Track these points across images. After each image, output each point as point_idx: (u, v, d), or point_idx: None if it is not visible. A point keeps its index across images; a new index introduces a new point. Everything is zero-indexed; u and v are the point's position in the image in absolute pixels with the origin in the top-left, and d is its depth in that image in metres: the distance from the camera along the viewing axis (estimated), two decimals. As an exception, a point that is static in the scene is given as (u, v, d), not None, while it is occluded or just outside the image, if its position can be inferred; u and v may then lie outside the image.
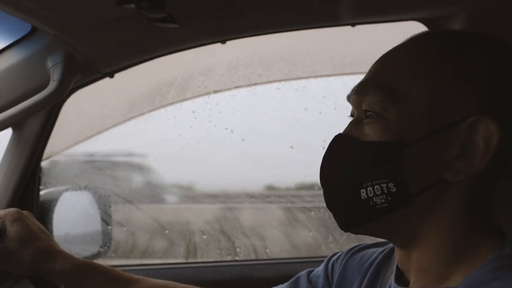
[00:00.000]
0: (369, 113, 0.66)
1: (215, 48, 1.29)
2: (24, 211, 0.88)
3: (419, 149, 0.63)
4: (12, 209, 0.85)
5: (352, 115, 0.72)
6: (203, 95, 1.53)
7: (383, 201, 0.64)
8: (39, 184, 1.39)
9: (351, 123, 0.70)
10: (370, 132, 0.66)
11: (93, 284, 0.87)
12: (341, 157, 0.69)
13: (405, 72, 0.66)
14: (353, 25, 1.23)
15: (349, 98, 0.71)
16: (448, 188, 0.64)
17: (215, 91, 1.53)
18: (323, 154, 0.71)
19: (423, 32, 0.72)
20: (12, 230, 0.82)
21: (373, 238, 0.76)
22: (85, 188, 1.64)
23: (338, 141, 0.70)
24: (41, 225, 0.88)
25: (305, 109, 1.64)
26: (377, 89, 0.66)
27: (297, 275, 0.93)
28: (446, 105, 0.64)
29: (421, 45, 0.69)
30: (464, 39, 0.69)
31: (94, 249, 1.54)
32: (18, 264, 0.84)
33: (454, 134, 0.63)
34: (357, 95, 0.69)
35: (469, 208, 0.65)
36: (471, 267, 0.62)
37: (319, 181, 0.71)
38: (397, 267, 0.73)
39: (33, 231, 0.84)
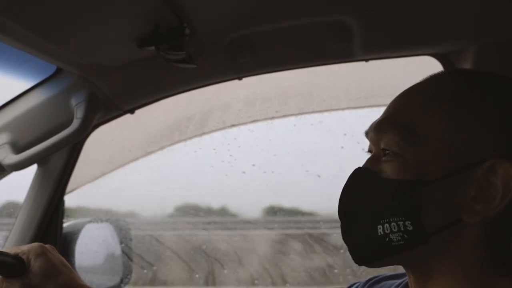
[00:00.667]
0: (387, 151, 0.67)
1: (233, 84, 1.32)
2: (47, 245, 0.89)
3: (436, 189, 0.64)
4: (36, 244, 0.87)
5: (370, 151, 0.73)
6: (220, 129, 1.56)
7: (399, 238, 0.64)
8: (62, 217, 1.42)
9: (369, 159, 0.71)
10: (388, 170, 0.66)
11: None
12: (359, 191, 0.69)
13: (422, 113, 0.67)
14: (366, 60, 1.25)
15: (367, 134, 0.72)
16: (465, 229, 0.65)
17: (233, 125, 1.56)
18: (343, 186, 0.72)
19: (439, 73, 0.73)
20: (35, 265, 0.84)
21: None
22: (107, 220, 1.67)
23: (358, 174, 0.71)
24: (63, 259, 0.90)
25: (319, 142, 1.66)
26: (395, 128, 0.67)
27: None
28: (463, 147, 0.64)
29: (438, 86, 0.70)
30: (480, 80, 0.70)
31: (116, 279, 1.55)
32: None
33: (471, 176, 0.64)
34: (375, 132, 0.70)
35: (486, 249, 0.65)
36: None
37: (337, 212, 0.71)
38: None
39: (56, 266, 0.86)
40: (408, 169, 0.65)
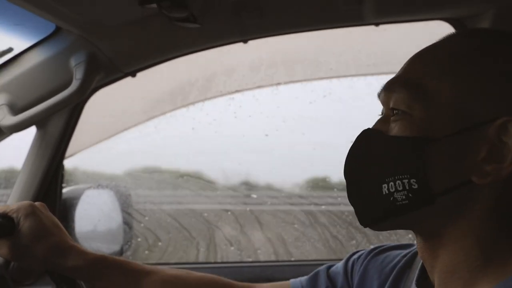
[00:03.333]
0: (396, 111, 0.66)
1: (237, 48, 1.28)
2: (38, 203, 0.87)
3: (444, 147, 0.62)
4: (26, 203, 0.85)
5: (382, 114, 0.71)
6: (224, 95, 1.53)
7: (404, 197, 0.63)
8: (61, 182, 1.41)
9: (379, 120, 0.70)
10: (395, 128, 0.65)
11: (108, 278, 0.87)
12: (365, 151, 0.68)
13: (434, 71, 0.65)
14: (376, 24, 1.21)
15: (379, 95, 0.71)
16: (475, 190, 0.62)
17: (237, 91, 1.52)
18: (350, 147, 0.70)
19: (453, 33, 0.71)
20: (25, 225, 0.82)
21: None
22: (107, 186, 1.65)
23: (364, 135, 0.69)
24: (54, 218, 0.88)
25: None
26: (404, 86, 0.65)
27: (316, 270, 0.92)
28: (475, 105, 0.62)
29: (452, 45, 0.68)
30: (495, 38, 0.68)
31: (116, 247, 1.55)
32: (32, 260, 0.83)
33: (482, 135, 0.62)
34: (385, 92, 0.69)
35: (497, 213, 0.63)
36: (500, 275, 0.60)
37: (343, 173, 0.70)
38: (420, 272, 0.71)
39: (46, 226, 0.84)
40: (415, 126, 0.64)
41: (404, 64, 0.70)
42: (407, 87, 0.65)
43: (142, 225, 1.87)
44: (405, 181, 0.63)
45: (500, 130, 0.61)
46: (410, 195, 0.62)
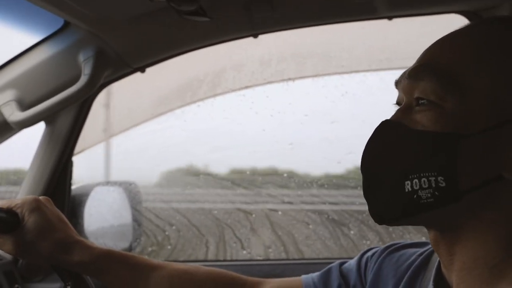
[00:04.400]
0: (422, 101, 0.62)
1: (247, 43, 1.26)
2: (42, 197, 0.85)
3: (477, 143, 0.59)
4: (31, 197, 0.83)
5: (398, 103, 0.67)
6: (234, 90, 1.51)
7: (429, 195, 0.59)
8: (70, 178, 1.40)
9: (399, 110, 0.65)
10: (423, 120, 0.61)
11: (114, 273, 0.85)
12: (387, 144, 0.64)
13: (468, 60, 0.61)
14: (389, 18, 1.18)
15: (397, 83, 0.67)
16: (504, 186, 0.59)
17: (247, 87, 1.51)
18: (368, 139, 0.66)
19: (489, 18, 0.67)
20: (30, 220, 0.81)
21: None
22: (116, 183, 1.64)
23: (385, 127, 0.65)
24: (60, 213, 0.86)
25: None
26: (434, 75, 0.61)
27: (328, 266, 0.89)
28: (509, 99, 0.59)
29: (488, 32, 0.63)
30: None
31: (125, 244, 1.54)
32: (37, 255, 0.82)
33: None
34: (409, 80, 0.64)
35: None
36: None
37: (360, 167, 0.66)
38: (436, 272, 0.69)
39: (51, 221, 0.82)
40: (446, 120, 0.60)
41: (429, 49, 0.65)
42: (438, 76, 0.61)
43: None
44: (432, 178, 0.59)
45: None
46: (436, 193, 0.59)
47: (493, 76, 0.60)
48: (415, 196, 0.60)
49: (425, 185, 0.59)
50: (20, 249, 0.82)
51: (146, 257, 0.92)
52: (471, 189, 0.59)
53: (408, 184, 0.60)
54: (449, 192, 0.59)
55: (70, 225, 0.86)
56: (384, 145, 0.65)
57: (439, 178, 0.59)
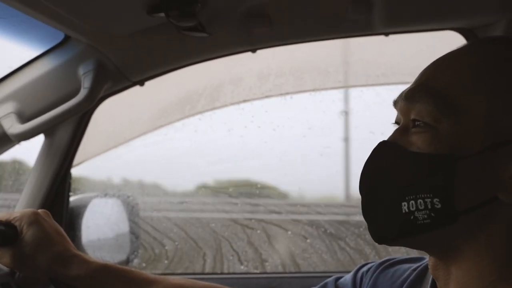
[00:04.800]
0: (418, 122, 0.62)
1: (245, 58, 1.27)
2: (41, 210, 0.86)
3: (472, 165, 0.59)
4: (29, 210, 0.84)
5: (397, 123, 0.68)
6: (232, 104, 1.52)
7: (425, 217, 0.59)
8: (69, 190, 1.40)
9: (396, 130, 0.66)
10: (418, 142, 0.62)
11: (111, 287, 0.85)
12: (384, 165, 0.65)
13: (464, 81, 0.61)
14: (386, 34, 1.19)
15: (395, 104, 0.67)
16: (499, 208, 0.60)
17: (245, 101, 1.52)
18: (365, 160, 0.67)
19: (485, 38, 0.68)
20: (28, 233, 0.81)
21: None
22: (114, 195, 1.65)
23: (382, 148, 0.65)
24: (58, 227, 0.87)
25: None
26: (430, 97, 0.61)
27: (324, 281, 0.89)
28: (505, 120, 0.59)
29: (484, 52, 0.64)
30: None
31: (122, 256, 1.54)
32: (34, 268, 0.83)
33: (511, 151, 0.59)
34: (406, 101, 0.64)
35: None
36: None
37: (358, 187, 0.67)
38: (432, 287, 0.69)
39: (49, 234, 0.83)
40: (441, 142, 0.60)
41: (425, 70, 0.66)
42: (434, 98, 0.61)
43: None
44: (428, 200, 0.59)
45: None
46: (432, 214, 0.59)
47: (489, 97, 0.60)
48: (412, 217, 0.60)
49: (421, 206, 0.60)
50: (18, 262, 0.82)
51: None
52: (466, 210, 0.59)
53: (405, 205, 0.60)
54: (445, 213, 0.59)
55: (68, 238, 0.86)
56: (381, 165, 0.65)
57: (434, 200, 0.59)
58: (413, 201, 0.60)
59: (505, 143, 0.59)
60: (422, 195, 0.60)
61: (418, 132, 0.62)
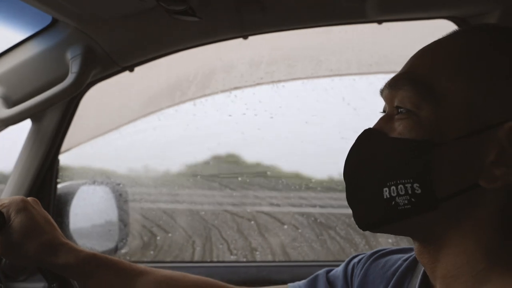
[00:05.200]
0: (401, 109, 0.63)
1: (237, 44, 1.26)
2: (30, 198, 0.85)
3: (451, 151, 0.59)
4: (18, 198, 0.82)
5: (384, 111, 0.69)
6: (223, 91, 1.51)
7: (406, 202, 0.60)
8: (56, 177, 1.39)
9: (381, 118, 0.66)
10: (400, 128, 0.62)
11: (99, 277, 0.84)
12: (366, 151, 0.65)
13: (444, 68, 0.62)
14: (379, 22, 1.18)
15: (381, 92, 0.68)
16: (481, 195, 0.60)
17: (236, 88, 1.50)
18: (350, 147, 0.68)
19: (462, 28, 0.68)
20: (16, 220, 0.80)
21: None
22: (103, 182, 1.63)
23: (366, 135, 0.66)
24: (47, 214, 0.85)
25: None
26: (411, 84, 0.62)
27: (315, 274, 0.90)
28: (486, 106, 0.60)
29: (464, 41, 0.64)
30: (507, 37, 0.64)
31: (111, 244, 1.53)
32: (22, 256, 0.81)
33: (492, 138, 0.59)
34: (389, 89, 0.65)
35: (501, 218, 0.61)
36: (505, 282, 0.58)
37: (343, 174, 0.68)
38: (423, 277, 0.69)
39: (38, 222, 0.82)
40: (421, 128, 0.61)
41: (410, 59, 0.67)
42: (415, 85, 0.62)
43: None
44: (408, 185, 0.60)
45: (510, 133, 0.59)
46: (412, 199, 0.60)
47: (469, 84, 0.60)
48: (393, 203, 0.61)
49: (402, 191, 0.60)
50: (5, 249, 0.81)
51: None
52: (447, 197, 0.60)
53: (386, 191, 0.61)
54: (425, 199, 0.60)
55: (57, 227, 0.85)
56: (365, 152, 0.66)
57: (414, 185, 0.60)
58: (394, 187, 0.61)
59: (484, 130, 0.59)
60: (403, 181, 0.60)
61: (401, 118, 0.63)
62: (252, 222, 1.90)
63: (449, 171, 0.60)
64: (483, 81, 0.60)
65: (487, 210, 0.60)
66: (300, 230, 1.89)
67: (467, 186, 0.59)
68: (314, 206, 1.91)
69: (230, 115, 1.58)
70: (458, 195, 0.60)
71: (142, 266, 0.89)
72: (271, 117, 1.60)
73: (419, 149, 0.60)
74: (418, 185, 0.60)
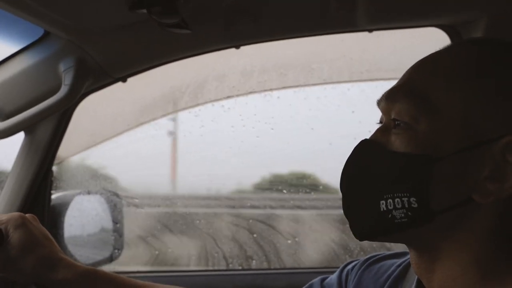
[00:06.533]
0: (398, 122, 0.63)
1: (229, 54, 1.26)
2: (28, 215, 0.85)
3: (447, 165, 0.60)
4: (16, 214, 0.83)
5: (381, 122, 0.69)
6: (216, 100, 1.51)
7: (403, 215, 0.61)
8: (50, 188, 1.38)
9: (378, 130, 0.67)
10: (397, 142, 0.63)
11: None
12: (363, 164, 0.66)
13: (441, 82, 0.62)
14: (370, 31, 1.20)
15: (378, 103, 0.68)
16: (475, 209, 0.61)
17: (229, 97, 1.51)
18: (347, 158, 0.68)
19: (460, 41, 0.69)
20: (14, 236, 0.80)
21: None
22: (97, 192, 1.63)
23: (363, 146, 0.67)
24: (45, 230, 0.86)
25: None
26: (408, 97, 0.63)
27: (310, 282, 0.90)
28: (482, 122, 0.60)
29: (458, 55, 0.65)
30: (504, 50, 0.65)
31: (106, 253, 1.52)
32: (20, 272, 0.82)
33: (487, 153, 0.60)
34: (386, 101, 0.66)
35: (496, 232, 0.62)
36: None
37: (339, 185, 0.68)
38: (417, 284, 0.70)
39: (36, 238, 0.82)
40: (418, 142, 0.61)
41: (408, 71, 0.67)
42: (412, 98, 0.62)
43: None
44: (405, 199, 0.61)
45: (505, 148, 0.59)
46: (409, 213, 0.61)
47: (466, 98, 0.61)
48: (390, 216, 0.61)
49: (398, 205, 0.61)
50: (3, 265, 0.81)
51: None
52: (443, 210, 0.60)
53: (383, 203, 0.62)
54: (421, 213, 0.60)
55: (55, 242, 0.86)
56: (361, 164, 0.66)
57: (411, 199, 0.60)
58: (390, 200, 0.61)
59: (479, 145, 0.60)
60: (400, 194, 0.61)
61: (398, 132, 0.63)
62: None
63: (445, 185, 0.60)
64: (480, 95, 0.61)
65: (481, 223, 0.61)
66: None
67: (461, 200, 0.60)
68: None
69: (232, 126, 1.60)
70: (453, 209, 0.60)
71: (140, 281, 0.90)
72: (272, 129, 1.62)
73: (416, 164, 0.60)
74: (415, 199, 0.60)
